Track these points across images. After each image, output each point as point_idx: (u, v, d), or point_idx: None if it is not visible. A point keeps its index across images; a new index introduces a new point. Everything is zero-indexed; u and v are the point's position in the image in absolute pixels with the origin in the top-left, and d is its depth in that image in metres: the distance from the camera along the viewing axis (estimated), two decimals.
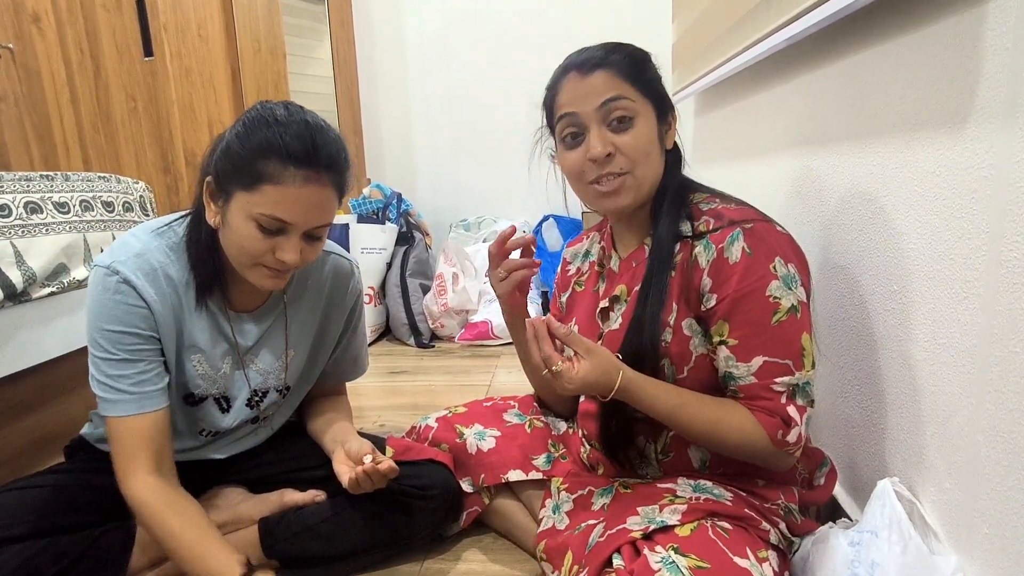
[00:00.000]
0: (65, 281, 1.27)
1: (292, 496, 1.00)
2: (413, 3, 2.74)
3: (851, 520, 0.85)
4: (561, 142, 0.83)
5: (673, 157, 0.86)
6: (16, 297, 1.16)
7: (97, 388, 0.85)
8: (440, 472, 0.99)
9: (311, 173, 0.78)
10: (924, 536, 0.69)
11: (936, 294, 0.71)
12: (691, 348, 0.79)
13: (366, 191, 2.45)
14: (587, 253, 0.99)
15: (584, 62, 0.79)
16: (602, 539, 0.74)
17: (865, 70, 0.88)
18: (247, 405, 0.98)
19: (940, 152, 0.70)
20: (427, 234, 2.54)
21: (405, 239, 2.41)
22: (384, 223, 2.36)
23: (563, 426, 1.07)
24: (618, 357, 0.79)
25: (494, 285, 0.94)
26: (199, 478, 1.01)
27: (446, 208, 2.87)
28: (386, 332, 2.45)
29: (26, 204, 1.21)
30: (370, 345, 2.32)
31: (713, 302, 0.75)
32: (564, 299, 1.00)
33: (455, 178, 2.87)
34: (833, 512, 0.93)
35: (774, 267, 0.73)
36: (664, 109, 0.82)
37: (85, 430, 1.00)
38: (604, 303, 0.89)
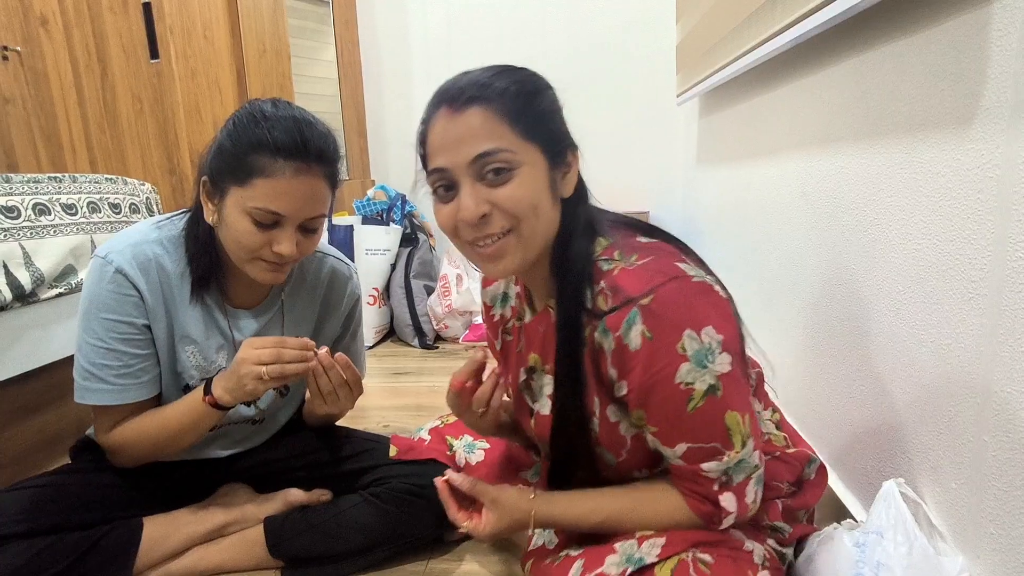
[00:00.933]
0: (73, 282, 1.27)
1: (297, 495, 1.01)
2: (417, 4, 2.74)
3: (856, 521, 0.84)
4: (433, 193, 0.71)
5: (574, 201, 0.72)
6: (24, 298, 1.17)
7: (78, 374, 0.87)
8: (444, 470, 0.99)
9: (301, 165, 0.80)
10: (930, 537, 0.69)
11: (942, 294, 0.71)
12: (622, 433, 0.73)
13: (370, 193, 2.46)
14: (505, 296, 0.89)
15: (457, 95, 0.66)
16: None
17: (870, 71, 0.88)
18: (244, 403, 0.98)
19: (946, 153, 0.70)
20: (431, 235, 2.54)
21: (409, 240, 2.41)
22: (388, 224, 2.36)
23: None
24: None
25: (476, 427, 0.88)
26: (203, 478, 1.02)
27: None
28: (390, 333, 2.46)
29: (34, 206, 1.22)
30: (374, 346, 2.33)
31: (624, 391, 0.68)
32: (499, 346, 0.91)
33: None
34: (838, 513, 0.93)
35: (682, 346, 0.62)
36: (558, 151, 0.69)
37: (91, 431, 1.01)
38: (522, 375, 0.83)
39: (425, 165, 0.71)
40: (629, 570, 0.67)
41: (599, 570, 0.69)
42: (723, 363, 0.64)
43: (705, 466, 0.67)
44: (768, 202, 1.34)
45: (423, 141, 0.71)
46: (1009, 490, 0.61)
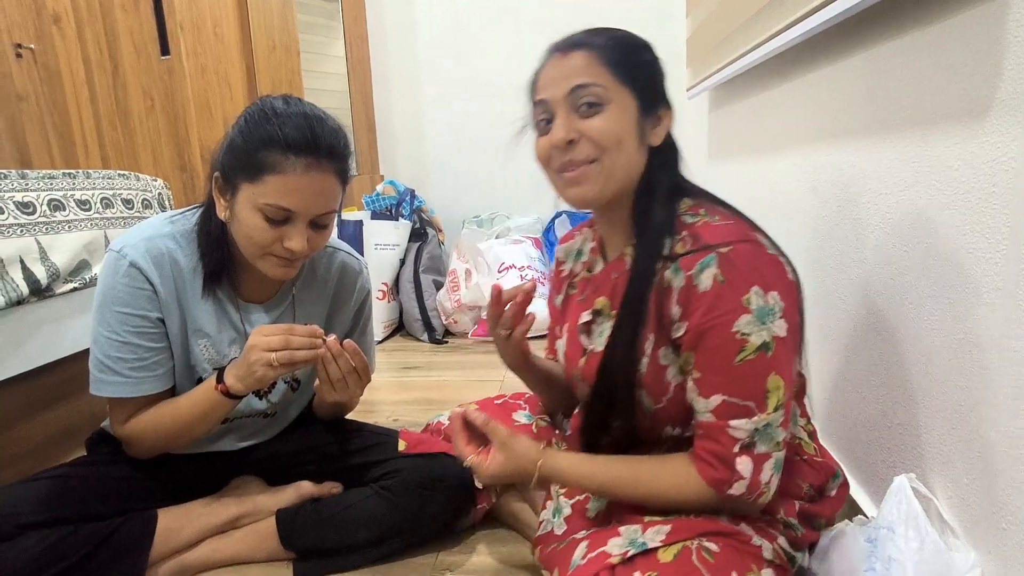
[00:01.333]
0: (87, 277, 1.29)
1: (308, 488, 1.02)
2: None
3: (867, 517, 0.84)
4: (535, 128, 0.80)
5: (662, 156, 0.78)
6: (40, 293, 1.18)
7: (94, 366, 0.89)
8: (453, 464, 1.00)
9: (312, 161, 0.81)
10: (941, 532, 0.69)
11: (955, 288, 0.70)
12: (667, 378, 0.74)
13: (379, 188, 2.47)
14: (579, 252, 0.94)
15: (566, 42, 0.76)
16: (583, 562, 0.71)
17: (882, 64, 0.87)
18: (256, 395, 0.99)
19: (960, 146, 0.69)
20: (440, 230, 2.55)
21: (418, 235, 2.42)
22: (397, 219, 2.37)
23: (566, 426, 1.06)
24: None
25: (502, 352, 0.93)
26: (216, 471, 1.03)
27: (459, 204, 2.87)
28: (399, 328, 2.47)
29: (49, 201, 1.24)
30: (383, 341, 2.34)
31: (682, 331, 0.70)
32: (559, 301, 0.95)
33: (468, 174, 2.87)
34: (850, 509, 0.93)
35: (747, 299, 0.66)
36: (652, 101, 0.76)
37: (106, 423, 1.02)
38: (587, 316, 0.84)
39: (533, 101, 0.79)
40: (631, 552, 0.68)
41: (601, 549, 0.70)
42: (780, 327, 0.67)
43: (734, 423, 0.68)
44: (779, 197, 1.33)
45: (533, 83, 0.79)
46: (1021, 486, 0.60)
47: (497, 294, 0.86)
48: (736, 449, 0.68)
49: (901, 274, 0.82)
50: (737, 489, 0.69)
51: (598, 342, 0.81)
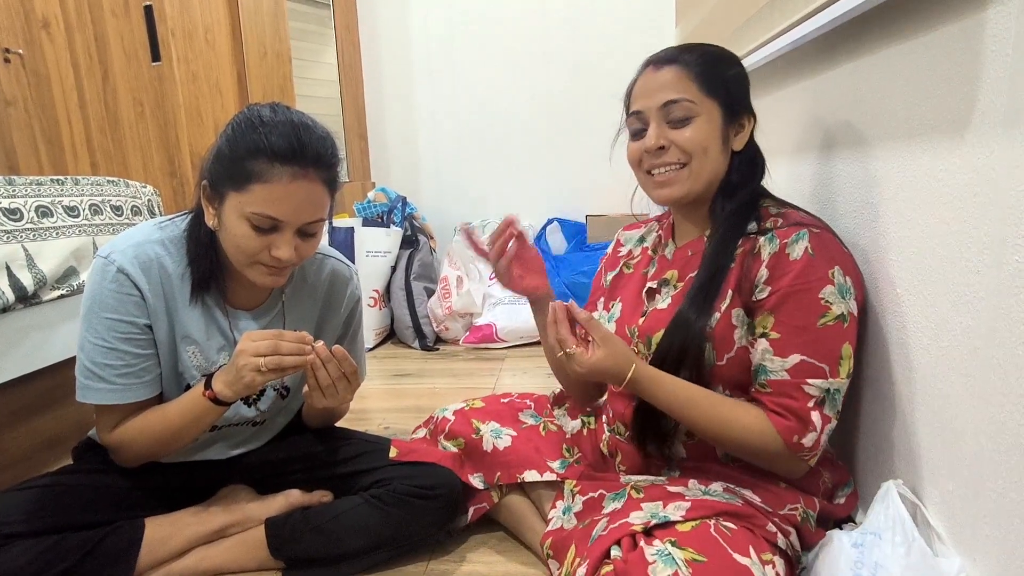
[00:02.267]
0: (75, 284, 1.28)
1: (298, 497, 1.01)
2: (419, 7, 2.75)
3: (855, 522, 0.85)
4: (629, 133, 0.89)
5: (746, 161, 0.86)
6: (27, 299, 1.17)
7: (80, 373, 0.88)
8: (444, 472, 1.00)
9: (298, 170, 0.81)
10: (928, 538, 0.70)
11: (940, 297, 0.71)
12: (735, 337, 0.79)
13: (371, 195, 2.47)
14: (642, 239, 1.02)
15: (660, 57, 0.84)
16: (604, 532, 0.75)
17: (866, 75, 0.89)
18: (245, 403, 0.99)
19: (942, 157, 0.70)
20: (431, 237, 2.55)
21: (410, 242, 2.42)
22: (389, 226, 2.37)
23: (574, 426, 1.07)
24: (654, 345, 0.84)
25: (498, 275, 1.00)
26: (205, 479, 1.02)
27: (451, 211, 2.87)
28: (390, 335, 2.46)
29: (37, 208, 1.23)
30: (375, 348, 2.33)
31: (765, 294, 0.76)
32: (610, 277, 1.03)
33: (460, 181, 2.88)
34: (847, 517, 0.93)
35: (832, 273, 0.74)
36: (735, 111, 0.84)
37: (93, 432, 1.01)
38: (652, 284, 0.92)
39: (627, 110, 0.89)
40: (652, 522, 0.72)
41: (623, 520, 0.74)
42: (854, 307, 0.76)
43: (811, 380, 0.74)
44: None
45: (629, 93, 0.89)
46: (1006, 492, 0.61)
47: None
48: (811, 404, 0.74)
49: (886, 283, 0.84)
50: (808, 440, 0.74)
51: (663, 303, 0.88)
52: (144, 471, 0.96)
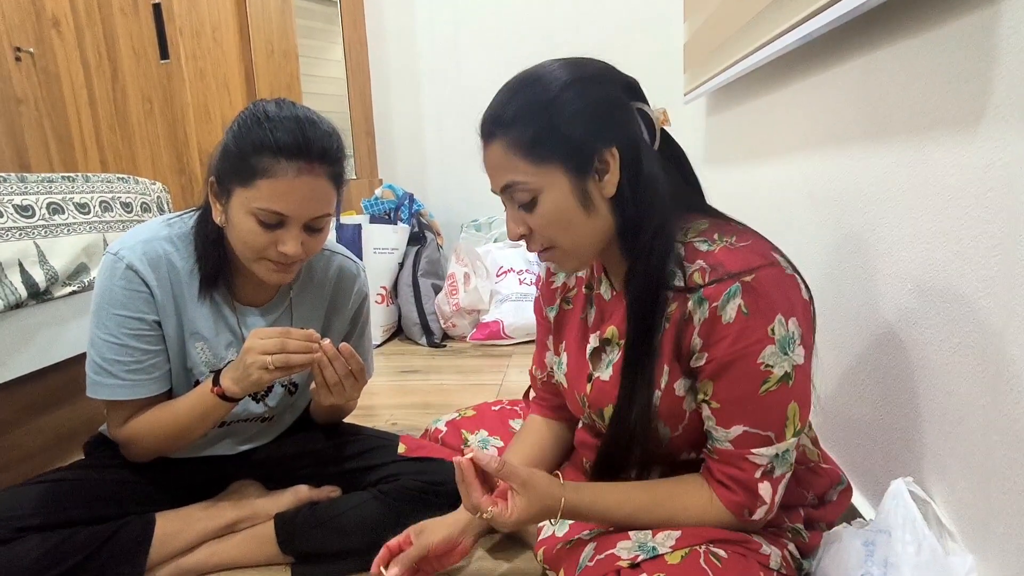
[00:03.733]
0: (86, 280, 1.29)
1: (306, 492, 1.02)
2: (425, 4, 2.75)
3: (865, 520, 0.84)
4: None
5: (633, 198, 0.70)
6: (39, 296, 1.18)
7: (91, 369, 0.89)
8: (452, 469, 1.00)
9: (303, 165, 0.81)
10: (938, 536, 0.69)
11: (951, 294, 0.71)
12: (684, 407, 0.73)
13: (378, 192, 2.47)
14: None
15: (482, 129, 0.72)
16: (591, 563, 0.71)
17: (878, 70, 0.88)
18: (253, 399, 0.99)
19: (954, 152, 0.70)
20: (439, 234, 2.55)
21: (417, 239, 2.42)
22: (396, 223, 2.37)
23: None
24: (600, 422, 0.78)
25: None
26: (214, 475, 1.03)
27: (458, 208, 2.88)
28: (398, 332, 2.47)
29: (49, 205, 1.24)
30: (382, 344, 2.34)
31: (703, 361, 0.68)
32: (551, 315, 0.91)
33: (467, 178, 2.88)
34: (847, 512, 0.93)
35: (772, 329, 0.65)
36: (584, 159, 0.67)
37: (104, 427, 1.02)
38: (594, 342, 0.81)
39: None
40: (640, 557, 0.68)
41: (610, 552, 0.70)
42: (799, 355, 0.66)
43: (756, 450, 0.68)
44: (775, 202, 1.34)
45: None
46: (1018, 490, 0.61)
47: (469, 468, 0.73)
48: (758, 475, 0.68)
49: (896, 280, 0.83)
50: (760, 514, 0.70)
51: (605, 372, 0.79)
52: (154, 467, 0.97)
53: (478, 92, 3.25)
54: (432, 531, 0.85)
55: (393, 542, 0.85)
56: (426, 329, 2.32)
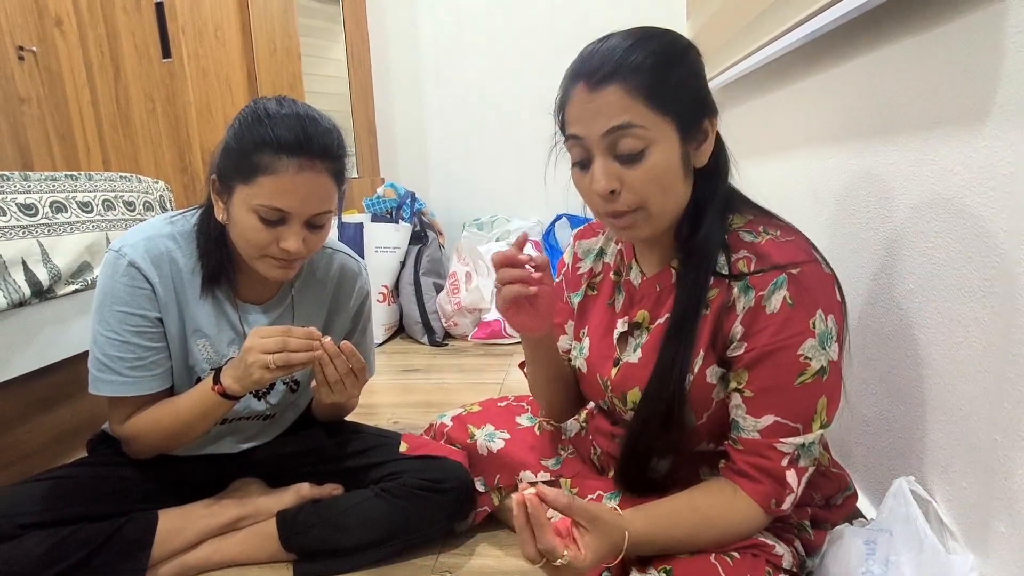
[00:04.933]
0: (88, 279, 1.29)
1: (308, 490, 1.02)
2: (427, 3, 2.75)
3: (866, 519, 0.84)
4: (571, 157, 0.73)
5: (710, 169, 0.72)
6: (42, 294, 1.19)
7: (93, 365, 0.89)
8: (455, 466, 1.00)
9: (304, 161, 0.81)
10: (940, 535, 0.69)
11: (954, 292, 0.71)
12: (712, 396, 0.73)
13: (380, 190, 2.47)
14: (601, 252, 0.90)
15: (593, 72, 0.66)
16: None
17: (884, 67, 0.87)
18: (255, 397, 0.99)
19: (959, 150, 0.69)
20: (440, 233, 2.55)
21: (419, 238, 2.42)
22: (398, 222, 2.37)
23: (574, 429, 1.06)
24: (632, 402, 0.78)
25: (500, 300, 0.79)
26: (216, 472, 1.03)
27: (459, 207, 2.88)
28: (399, 330, 2.47)
29: (52, 203, 1.24)
30: (384, 343, 2.34)
31: (741, 350, 0.68)
32: (575, 300, 0.91)
33: (468, 177, 2.88)
34: (850, 515, 0.93)
35: (813, 323, 0.65)
36: (693, 122, 0.69)
37: (107, 425, 1.02)
38: (622, 326, 0.81)
39: (563, 130, 0.72)
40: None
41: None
42: (834, 351, 0.67)
43: (784, 439, 0.68)
44: (779, 200, 1.33)
45: (561, 108, 0.71)
46: (1020, 489, 0.60)
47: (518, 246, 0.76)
48: (785, 463, 0.68)
49: (900, 278, 0.83)
50: (788, 503, 0.69)
51: (633, 355, 0.79)
52: (157, 464, 0.97)
53: (480, 90, 3.25)
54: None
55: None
56: (428, 328, 2.32)
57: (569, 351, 0.91)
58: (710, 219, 0.71)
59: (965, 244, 0.68)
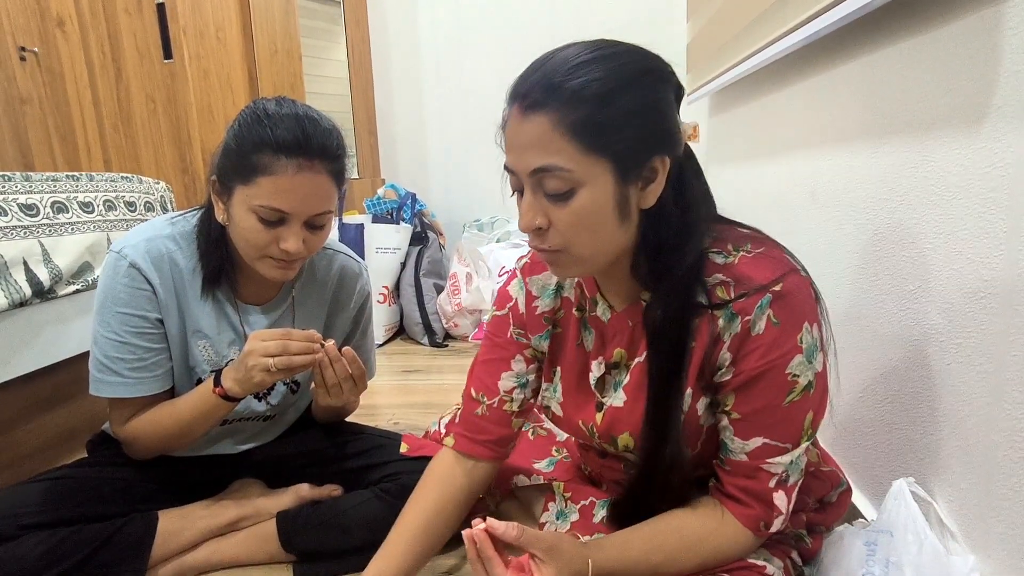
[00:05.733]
0: (89, 279, 1.30)
1: (308, 490, 1.02)
2: (428, 4, 2.75)
3: (866, 520, 0.84)
4: (512, 187, 0.67)
5: (667, 215, 0.64)
6: (43, 294, 1.19)
7: (94, 366, 0.89)
8: None
9: (303, 162, 0.81)
10: (940, 536, 0.69)
11: (953, 293, 0.71)
12: (700, 423, 0.70)
13: (380, 191, 2.47)
14: (559, 288, 0.80)
15: (526, 94, 0.60)
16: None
17: (881, 69, 0.88)
18: (256, 397, 1.00)
19: (957, 151, 0.69)
20: (441, 234, 2.55)
21: (419, 239, 2.42)
22: (398, 223, 2.38)
23: (565, 435, 1.05)
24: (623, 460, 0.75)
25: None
26: (216, 473, 1.03)
27: (460, 208, 2.88)
28: (400, 331, 2.47)
29: (53, 204, 1.24)
30: (384, 344, 2.34)
31: (729, 376, 0.66)
32: (543, 342, 0.82)
33: (469, 178, 2.88)
34: (849, 512, 0.93)
35: (800, 338, 0.62)
36: (637, 161, 0.60)
37: (107, 425, 1.03)
38: (598, 369, 0.76)
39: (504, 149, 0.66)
40: None
41: None
42: (820, 362, 0.65)
43: (771, 459, 0.66)
44: (778, 202, 1.34)
45: (503, 128, 0.66)
46: (1020, 489, 0.60)
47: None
48: (772, 484, 0.67)
49: (898, 279, 0.83)
50: (776, 524, 0.68)
51: (617, 397, 0.74)
52: (157, 464, 0.97)
53: (481, 91, 3.25)
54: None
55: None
56: (428, 329, 2.32)
57: (513, 390, 0.83)
58: (679, 255, 0.65)
59: (964, 244, 0.68)
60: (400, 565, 0.78)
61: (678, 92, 0.65)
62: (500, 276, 2.42)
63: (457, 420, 0.88)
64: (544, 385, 0.84)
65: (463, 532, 0.62)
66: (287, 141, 0.80)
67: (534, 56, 0.66)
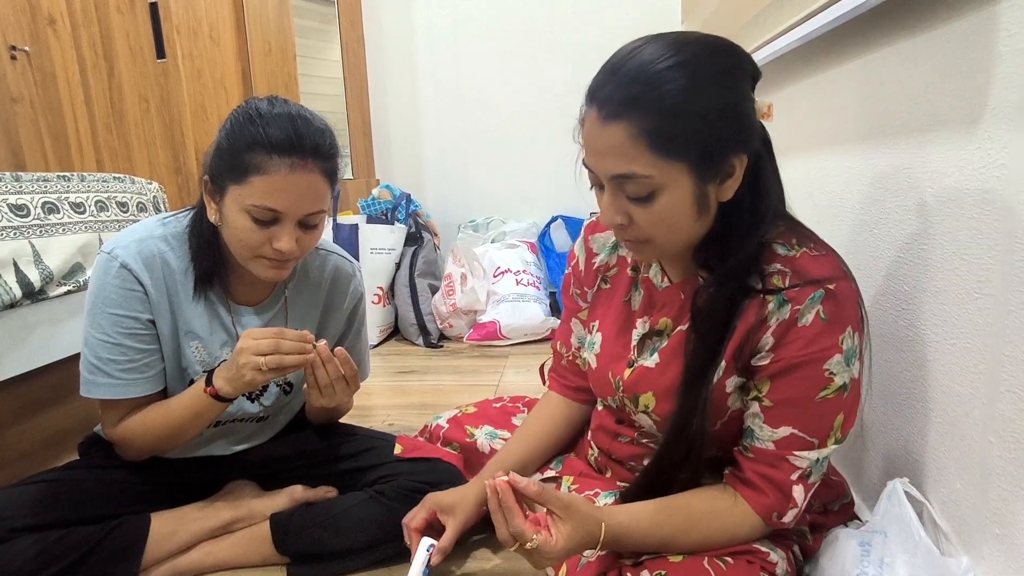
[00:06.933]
0: (81, 280, 1.28)
1: (302, 492, 1.02)
2: (423, 4, 2.75)
3: (861, 521, 0.85)
4: (591, 180, 0.71)
5: (741, 209, 0.68)
6: (34, 295, 1.18)
7: (85, 368, 0.88)
8: (449, 468, 1.00)
9: (296, 161, 0.81)
10: (934, 537, 0.69)
11: (948, 294, 0.71)
12: (728, 404, 0.72)
13: (375, 192, 2.47)
14: (616, 246, 0.86)
15: (605, 101, 0.62)
16: (593, 559, 0.71)
17: (876, 71, 0.88)
18: (248, 398, 0.99)
19: (953, 152, 0.70)
20: (436, 235, 2.55)
21: (414, 239, 2.42)
22: (393, 224, 2.37)
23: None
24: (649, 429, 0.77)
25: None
26: (210, 474, 1.02)
27: (455, 209, 2.87)
28: (395, 332, 2.46)
29: (44, 204, 1.23)
30: (379, 345, 2.33)
31: (767, 360, 0.67)
32: (590, 294, 0.88)
33: (464, 179, 2.87)
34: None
35: (842, 339, 0.64)
36: (715, 160, 0.63)
37: (99, 427, 1.02)
38: (642, 328, 0.79)
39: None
40: (643, 556, 0.70)
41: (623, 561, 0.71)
42: (856, 368, 0.67)
43: (798, 452, 0.67)
44: None
45: (581, 123, 0.67)
46: (1014, 490, 0.61)
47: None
48: (794, 477, 0.68)
49: (894, 280, 0.83)
50: (789, 516, 0.69)
51: (650, 359, 0.77)
52: (149, 466, 0.96)
53: (476, 91, 3.25)
54: (463, 506, 0.86)
55: (418, 522, 0.86)
56: (423, 329, 2.31)
57: (580, 348, 0.91)
58: (742, 242, 0.68)
59: (958, 246, 0.68)
60: (518, 461, 0.91)
61: (755, 77, 0.67)
62: (495, 277, 2.42)
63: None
64: (585, 338, 0.89)
65: (486, 482, 0.66)
66: (280, 140, 0.80)
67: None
